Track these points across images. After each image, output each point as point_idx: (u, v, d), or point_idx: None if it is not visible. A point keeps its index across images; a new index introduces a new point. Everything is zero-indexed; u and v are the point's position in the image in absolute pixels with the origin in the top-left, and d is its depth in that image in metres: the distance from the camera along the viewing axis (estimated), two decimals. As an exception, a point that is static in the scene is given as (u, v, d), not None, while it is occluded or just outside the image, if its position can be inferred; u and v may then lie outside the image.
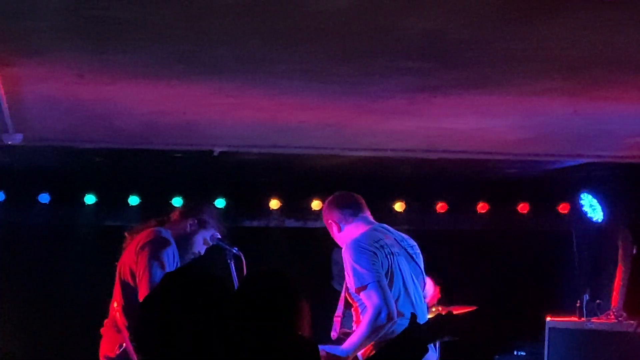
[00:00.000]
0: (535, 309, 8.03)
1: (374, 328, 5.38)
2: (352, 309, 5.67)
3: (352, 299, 5.62)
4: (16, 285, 8.70)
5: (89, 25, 4.15)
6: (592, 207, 8.71)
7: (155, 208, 9.13)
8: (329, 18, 4.03)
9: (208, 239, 5.94)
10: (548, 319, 7.73)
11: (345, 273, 5.55)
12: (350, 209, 5.79)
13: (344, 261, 5.57)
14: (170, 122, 6.45)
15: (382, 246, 5.56)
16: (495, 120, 6.41)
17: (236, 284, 5.89)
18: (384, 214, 9.37)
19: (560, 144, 7.41)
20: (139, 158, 7.71)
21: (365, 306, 5.46)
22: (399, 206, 9.21)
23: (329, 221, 5.83)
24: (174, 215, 5.93)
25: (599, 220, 8.69)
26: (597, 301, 7.64)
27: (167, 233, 5.75)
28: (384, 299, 5.39)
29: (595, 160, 7.93)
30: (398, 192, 9.23)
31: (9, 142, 6.52)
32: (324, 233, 9.31)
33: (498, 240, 9.28)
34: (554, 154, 7.77)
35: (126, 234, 5.88)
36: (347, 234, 5.74)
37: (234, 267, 5.94)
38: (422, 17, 4.03)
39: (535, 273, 9.34)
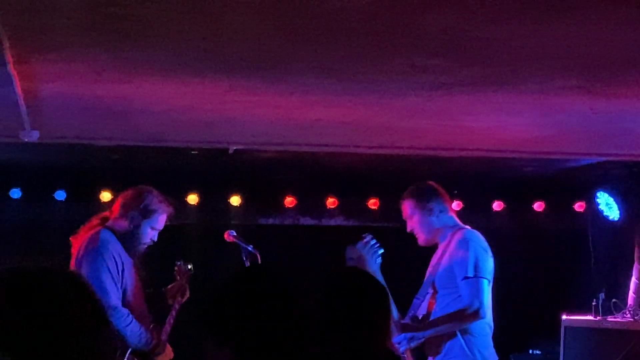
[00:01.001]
0: (550, 307, 8.03)
1: (462, 318, 5.54)
2: (431, 296, 5.71)
3: (435, 286, 5.66)
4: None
5: (107, 23, 4.16)
6: (609, 206, 8.69)
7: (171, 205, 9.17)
8: (347, 15, 4.02)
9: (156, 226, 5.82)
10: (564, 317, 7.72)
11: (455, 259, 5.61)
12: (446, 201, 5.90)
13: (458, 248, 5.64)
14: (186, 120, 6.46)
15: (489, 249, 5.72)
16: (512, 118, 6.40)
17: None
18: (399, 212, 9.41)
19: (577, 142, 7.39)
20: (155, 155, 7.73)
21: (459, 296, 5.55)
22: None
23: (429, 205, 5.82)
24: (115, 211, 5.75)
25: (615, 219, 8.67)
26: (613, 300, 7.62)
27: (107, 234, 5.62)
28: (484, 297, 5.53)
29: (612, 158, 7.91)
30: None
31: (26, 140, 6.54)
32: (339, 231, 9.36)
33: (514, 238, 9.26)
34: (570, 152, 7.75)
35: (71, 238, 5.76)
36: (438, 222, 5.78)
37: (249, 265, 5.95)
38: (440, 15, 4.03)
39: (551, 271, 9.33)
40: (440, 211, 5.80)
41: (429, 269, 5.82)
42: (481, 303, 5.49)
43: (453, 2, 3.90)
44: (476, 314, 5.50)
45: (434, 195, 5.84)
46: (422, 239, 5.84)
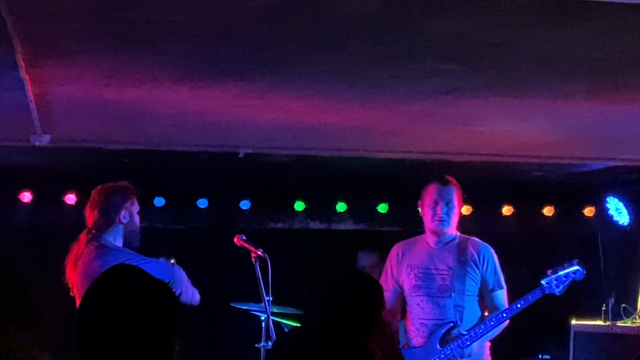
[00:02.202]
0: (560, 312, 8.01)
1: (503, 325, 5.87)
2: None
3: (466, 293, 5.82)
4: (43, 285, 8.74)
5: (117, 27, 4.18)
6: (618, 211, 8.67)
7: (181, 209, 9.19)
8: (357, 20, 4.03)
9: (138, 208, 5.77)
10: (573, 322, 7.71)
11: (487, 269, 5.85)
12: None
13: (489, 258, 5.87)
14: (196, 124, 6.48)
15: None
16: (522, 123, 6.40)
17: (261, 285, 5.91)
18: (409, 217, 9.40)
19: (586, 147, 7.38)
20: (165, 159, 7.74)
21: (479, 302, 5.84)
22: (424, 208, 9.19)
23: (461, 203, 5.94)
24: (101, 222, 5.57)
25: (625, 224, 8.65)
26: (623, 305, 7.61)
27: (109, 245, 5.60)
28: None
29: (622, 163, 7.90)
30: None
31: (37, 143, 6.57)
32: (348, 235, 9.36)
33: (523, 243, 9.25)
34: (580, 157, 7.75)
35: (68, 256, 5.66)
36: (455, 223, 5.90)
37: (259, 269, 5.95)
38: (449, 20, 4.04)
39: (560, 276, 9.30)
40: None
41: (446, 276, 5.83)
42: None
43: (464, 8, 3.91)
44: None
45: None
46: (444, 227, 5.84)
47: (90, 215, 5.64)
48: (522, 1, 3.84)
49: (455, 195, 5.88)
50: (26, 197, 8.87)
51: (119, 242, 5.60)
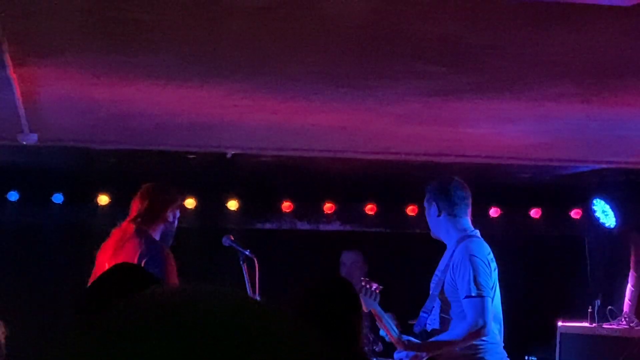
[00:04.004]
0: (546, 314, 8.04)
1: (468, 338, 5.41)
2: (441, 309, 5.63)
3: (447, 300, 5.57)
4: (29, 286, 8.73)
5: (106, 27, 4.18)
6: (605, 213, 8.71)
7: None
8: (346, 21, 4.04)
9: (178, 215, 5.87)
10: (560, 324, 7.73)
11: (457, 274, 5.50)
12: (458, 206, 5.74)
13: (460, 263, 5.50)
14: (184, 124, 6.47)
15: (492, 260, 5.60)
16: (509, 125, 6.41)
17: (248, 286, 5.91)
18: (396, 218, 9.43)
19: (574, 150, 7.40)
20: (153, 159, 7.73)
21: (465, 314, 5.44)
22: (411, 210, 9.21)
23: (437, 204, 5.72)
24: (148, 214, 5.69)
25: (612, 226, 8.69)
26: (609, 307, 7.64)
27: (154, 237, 5.63)
28: (487, 314, 5.41)
29: (609, 166, 7.92)
30: (411, 196, 9.23)
31: (24, 142, 6.55)
32: (336, 236, 9.36)
33: (510, 245, 9.27)
34: (567, 159, 7.77)
35: (108, 240, 5.70)
36: (444, 225, 5.68)
37: (246, 270, 5.96)
38: (438, 22, 4.05)
39: (547, 278, 9.34)
40: (449, 214, 5.69)
41: (435, 280, 5.74)
42: (485, 322, 5.41)
43: (452, 10, 3.92)
44: (480, 333, 5.42)
45: (444, 197, 5.70)
46: (431, 231, 5.81)
47: (139, 206, 5.74)
48: (510, 4, 3.85)
49: (425, 199, 5.84)
50: (13, 196, 8.85)
51: (158, 238, 5.69)
